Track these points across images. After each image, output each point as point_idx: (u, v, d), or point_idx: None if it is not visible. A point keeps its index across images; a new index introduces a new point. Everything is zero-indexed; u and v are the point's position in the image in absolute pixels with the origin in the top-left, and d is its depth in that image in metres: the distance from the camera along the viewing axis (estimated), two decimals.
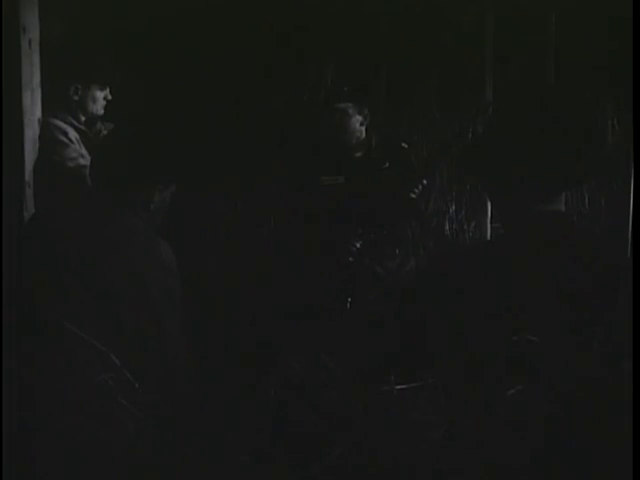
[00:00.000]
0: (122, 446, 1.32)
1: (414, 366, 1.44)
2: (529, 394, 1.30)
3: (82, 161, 3.04)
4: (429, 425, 1.28)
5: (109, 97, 3.22)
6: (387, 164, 3.57)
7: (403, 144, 3.76)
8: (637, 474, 1.23)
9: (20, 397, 1.44)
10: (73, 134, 3.12)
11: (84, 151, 3.12)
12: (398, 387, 1.35)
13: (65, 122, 3.11)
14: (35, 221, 2.31)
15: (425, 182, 3.24)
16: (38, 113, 2.87)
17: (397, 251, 3.55)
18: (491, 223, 3.96)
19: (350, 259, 3.24)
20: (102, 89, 3.20)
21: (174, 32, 4.95)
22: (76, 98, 3.14)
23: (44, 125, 2.94)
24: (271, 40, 5.14)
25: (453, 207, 4.75)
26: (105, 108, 3.24)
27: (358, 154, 3.60)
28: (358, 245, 3.26)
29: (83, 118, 3.18)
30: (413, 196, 3.23)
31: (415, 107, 5.31)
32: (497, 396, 1.31)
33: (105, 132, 3.22)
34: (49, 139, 2.99)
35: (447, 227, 4.72)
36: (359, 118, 3.58)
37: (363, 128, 3.60)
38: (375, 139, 3.66)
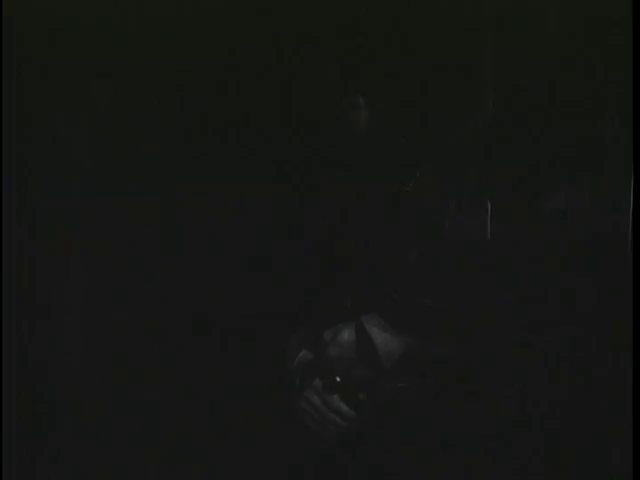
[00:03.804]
0: (122, 445, 1.32)
1: (413, 365, 1.44)
2: (529, 393, 1.30)
3: (82, 159, 3.04)
4: (427, 424, 1.28)
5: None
6: (386, 160, 3.57)
7: (401, 139, 3.76)
8: (637, 474, 1.23)
9: (20, 396, 1.44)
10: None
11: (84, 149, 3.12)
12: (398, 386, 1.35)
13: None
14: (36, 220, 2.30)
15: (418, 175, 3.23)
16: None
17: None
18: (491, 223, 3.95)
19: (348, 256, 3.23)
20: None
21: (174, 31, 4.95)
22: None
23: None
24: (271, 39, 5.13)
25: (453, 206, 4.75)
26: (105, 106, 3.24)
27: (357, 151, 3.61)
28: (357, 242, 3.25)
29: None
30: (407, 190, 3.23)
31: (415, 107, 5.30)
32: (497, 396, 1.31)
33: (106, 131, 3.22)
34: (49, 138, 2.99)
35: (447, 226, 4.72)
36: (364, 114, 3.57)
37: (364, 124, 3.60)
38: (374, 136, 3.65)
